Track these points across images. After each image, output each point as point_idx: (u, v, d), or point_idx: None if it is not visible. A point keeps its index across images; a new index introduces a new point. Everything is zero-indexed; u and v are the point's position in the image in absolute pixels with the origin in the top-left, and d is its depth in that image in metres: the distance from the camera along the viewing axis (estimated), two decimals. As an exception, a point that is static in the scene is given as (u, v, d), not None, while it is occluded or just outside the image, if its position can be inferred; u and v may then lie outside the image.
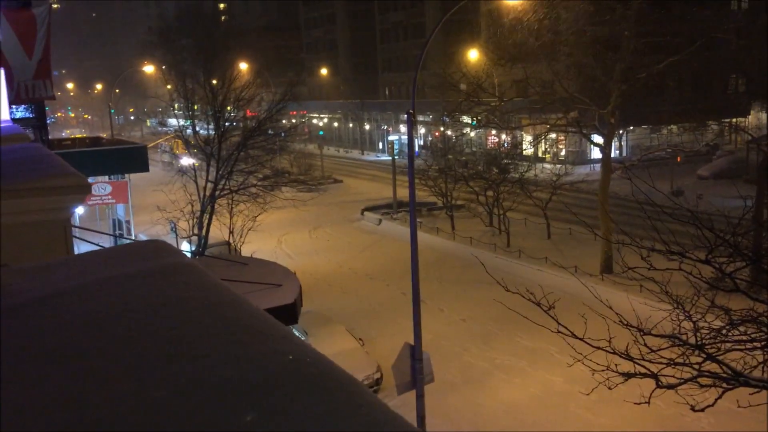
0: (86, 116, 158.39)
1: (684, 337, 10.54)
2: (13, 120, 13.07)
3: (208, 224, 26.43)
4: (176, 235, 29.73)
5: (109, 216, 36.90)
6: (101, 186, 30.15)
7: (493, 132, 50.65)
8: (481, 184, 36.99)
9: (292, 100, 36.25)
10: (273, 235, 37.41)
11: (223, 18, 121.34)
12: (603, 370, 10.72)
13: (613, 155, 33.50)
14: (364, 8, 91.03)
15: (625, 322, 10.79)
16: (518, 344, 22.10)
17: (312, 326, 21.56)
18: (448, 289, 28.24)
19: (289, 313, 8.62)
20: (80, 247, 9.11)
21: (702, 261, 10.48)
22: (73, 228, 4.90)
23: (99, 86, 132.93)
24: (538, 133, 35.69)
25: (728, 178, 37.91)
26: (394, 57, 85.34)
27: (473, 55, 49.76)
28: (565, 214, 32.03)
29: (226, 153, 27.12)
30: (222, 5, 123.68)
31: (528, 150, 47.10)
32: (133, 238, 30.81)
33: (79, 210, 29.41)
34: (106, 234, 29.17)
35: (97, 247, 5.63)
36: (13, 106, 14.48)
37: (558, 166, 41.92)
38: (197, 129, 31.53)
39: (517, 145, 42.85)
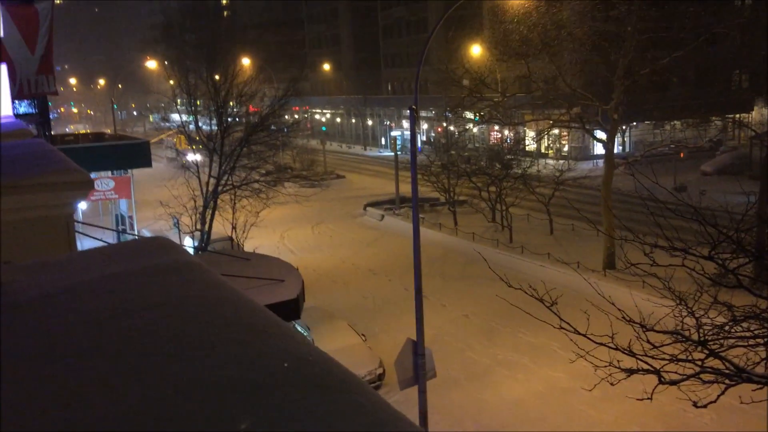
0: (89, 111, 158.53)
1: (687, 334, 10.52)
2: (16, 115, 13.06)
3: (211, 220, 26.46)
4: (179, 230, 29.75)
5: (112, 211, 36.94)
6: (104, 181, 30.15)
7: (496, 128, 50.60)
8: (483, 179, 36.97)
9: (295, 95, 36.25)
10: (276, 230, 37.43)
11: (225, 13, 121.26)
12: (606, 367, 10.71)
13: (616, 151, 33.46)
14: (366, 4, 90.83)
15: (628, 319, 10.78)
16: (521, 340, 22.10)
17: (314, 322, 21.57)
18: (451, 284, 28.24)
19: (292, 309, 8.62)
20: (83, 243, 9.13)
21: (705, 257, 10.47)
22: (75, 223, 4.90)
23: (102, 81, 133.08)
24: (541, 129, 35.66)
25: (731, 174, 37.85)
26: (396, 52, 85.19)
27: (476, 50, 49.67)
28: (567, 210, 31.97)
29: (228, 149, 27.13)
30: (225, 1, 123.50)
31: (531, 146, 47.07)
32: (136, 233, 30.84)
33: (82, 205, 29.45)
34: (109, 229, 29.19)
35: (100, 243, 5.63)
36: (16, 102, 14.48)
37: (561, 161, 41.86)
38: (200, 125, 31.56)
39: (519, 140, 42.83)
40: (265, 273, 9.32)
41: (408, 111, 14.28)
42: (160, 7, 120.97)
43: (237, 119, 30.50)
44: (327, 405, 1.30)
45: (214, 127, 28.53)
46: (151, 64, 74.34)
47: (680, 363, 10.40)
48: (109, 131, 51.56)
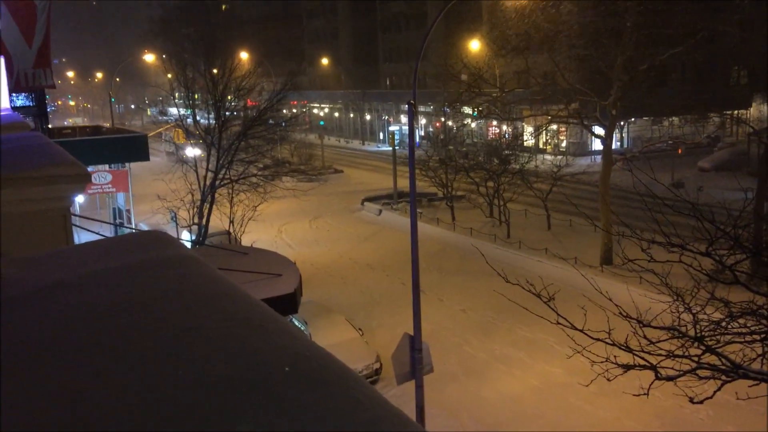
0: (86, 105, 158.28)
1: (683, 329, 10.54)
2: (13, 108, 13.04)
3: (209, 214, 26.44)
4: (176, 224, 29.73)
5: (110, 205, 36.93)
6: (101, 175, 30.13)
7: (494, 123, 50.60)
8: (481, 174, 36.99)
9: (293, 89, 36.16)
10: (273, 224, 37.44)
11: (224, 7, 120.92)
12: (602, 362, 10.74)
13: (614, 147, 33.51)
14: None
15: (625, 314, 10.79)
16: (518, 335, 22.13)
17: (312, 316, 21.59)
18: (448, 279, 28.26)
19: (289, 303, 8.61)
20: (80, 236, 9.11)
21: (702, 253, 10.49)
22: (73, 217, 4.89)
23: (99, 75, 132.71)
24: (539, 124, 35.64)
25: (729, 171, 37.89)
26: (395, 47, 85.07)
27: (474, 45, 49.64)
28: (565, 206, 32.07)
29: (226, 142, 27.09)
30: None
31: (529, 141, 47.06)
32: (134, 227, 30.81)
33: (80, 199, 29.42)
34: (107, 223, 29.18)
35: (98, 236, 5.63)
36: (14, 95, 14.45)
37: (559, 157, 41.85)
38: (198, 118, 31.50)
39: (518, 136, 42.82)
40: (263, 267, 9.31)
41: (406, 106, 14.26)
42: (159, 1, 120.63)
43: (235, 113, 30.44)
44: (324, 400, 1.30)
45: (212, 121, 28.49)
46: (149, 58, 74.22)
47: (677, 359, 10.42)
48: (106, 125, 51.50)
